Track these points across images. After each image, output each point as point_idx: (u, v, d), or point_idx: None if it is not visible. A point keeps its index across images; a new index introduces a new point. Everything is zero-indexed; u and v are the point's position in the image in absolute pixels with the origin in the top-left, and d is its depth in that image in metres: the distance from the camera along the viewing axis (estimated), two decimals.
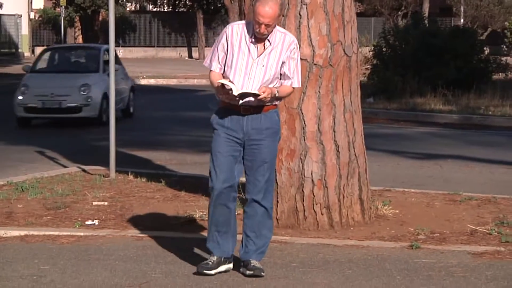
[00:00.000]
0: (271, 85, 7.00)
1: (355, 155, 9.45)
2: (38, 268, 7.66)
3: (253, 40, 6.98)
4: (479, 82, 26.06)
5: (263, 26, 6.83)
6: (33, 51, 58.48)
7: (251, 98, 6.88)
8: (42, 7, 63.83)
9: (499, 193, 11.19)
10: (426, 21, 29.95)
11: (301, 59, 9.10)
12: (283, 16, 9.18)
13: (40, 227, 9.47)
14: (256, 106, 7.01)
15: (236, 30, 7.04)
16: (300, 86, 7.45)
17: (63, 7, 42.05)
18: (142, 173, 12.27)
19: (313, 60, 9.20)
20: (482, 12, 45.46)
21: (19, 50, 56.05)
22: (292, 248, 8.42)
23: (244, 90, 6.86)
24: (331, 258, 8.04)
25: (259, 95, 6.83)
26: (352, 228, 9.25)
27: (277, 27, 7.08)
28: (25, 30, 58.82)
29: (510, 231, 9.01)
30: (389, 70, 26.31)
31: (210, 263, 7.13)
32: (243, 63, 6.98)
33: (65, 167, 13.73)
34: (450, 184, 12.16)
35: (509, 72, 30.28)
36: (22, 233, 9.23)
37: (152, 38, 61.43)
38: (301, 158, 9.23)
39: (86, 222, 9.65)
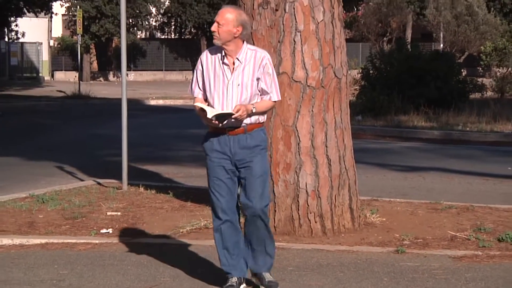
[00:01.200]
0: (251, 103, 6.65)
1: (346, 168, 9.45)
2: (58, 273, 7.65)
3: (225, 61, 6.65)
4: (457, 101, 26.11)
5: (215, 24, 6.57)
6: (52, 75, 58.58)
7: (228, 120, 6.52)
8: (60, 35, 63.88)
9: (476, 202, 11.20)
10: (409, 46, 29.96)
11: (295, 81, 9.21)
12: (279, 42, 9.20)
13: (59, 235, 9.47)
14: (238, 126, 6.63)
15: (209, 55, 6.74)
16: (280, 99, 6.91)
17: (80, 35, 42.11)
18: (151, 185, 12.27)
19: (306, 82, 9.21)
20: (459, 38, 45.50)
21: (40, 75, 56.05)
22: (288, 253, 8.41)
23: (217, 112, 6.49)
24: (324, 262, 8.04)
25: (233, 114, 6.45)
26: (343, 235, 9.25)
27: (248, 45, 6.74)
28: (45, 56, 58.86)
29: (487, 237, 9.01)
30: (376, 91, 26.33)
31: (235, 284, 6.77)
32: (219, 85, 6.64)
33: (81, 180, 13.72)
34: (432, 194, 12.15)
35: (484, 92, 30.36)
36: (43, 241, 9.22)
37: (161, 62, 61.47)
38: (296, 171, 9.23)
39: (101, 231, 9.64)
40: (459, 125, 23.06)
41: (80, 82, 40.55)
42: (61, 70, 59.30)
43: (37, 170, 15.32)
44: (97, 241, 9.12)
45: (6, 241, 9.28)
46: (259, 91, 6.69)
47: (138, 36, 59.72)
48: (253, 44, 9.29)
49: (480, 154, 18.38)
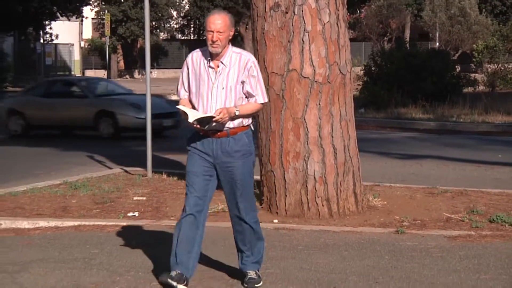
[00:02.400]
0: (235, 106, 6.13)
1: (350, 156, 9.45)
2: (89, 252, 7.68)
3: (210, 64, 6.10)
4: (452, 94, 26.04)
5: (215, 34, 5.97)
6: (83, 74, 58.66)
7: (209, 124, 6.02)
8: (90, 37, 64.03)
9: (469, 186, 11.18)
10: (407, 45, 29.96)
11: (304, 77, 9.20)
12: (289, 41, 9.19)
13: (90, 218, 9.50)
14: (221, 129, 6.10)
15: (195, 57, 6.19)
16: (266, 100, 6.32)
17: (108, 37, 42.19)
18: (174, 173, 12.27)
19: (314, 78, 9.20)
20: (453, 37, 45.35)
21: (72, 73, 56.16)
22: (298, 234, 8.42)
23: (198, 116, 5.98)
24: (331, 242, 8.04)
25: (214, 117, 5.92)
26: (348, 217, 9.25)
27: (233, 47, 6.19)
28: (76, 56, 58.95)
29: (480, 218, 9.00)
30: (377, 86, 26.32)
31: (173, 274, 6.11)
32: (204, 88, 6.09)
33: (110, 168, 13.76)
34: (428, 179, 12.13)
35: (477, 86, 30.29)
36: (76, 223, 9.26)
37: (181, 61, 60.99)
38: (305, 159, 9.23)
39: (128, 214, 9.67)
40: (454, 117, 23.03)
41: (109, 79, 40.61)
42: (91, 69, 59.35)
43: (71, 159, 15.38)
44: (124, 223, 9.15)
45: (42, 223, 9.32)
46: (245, 94, 6.16)
47: (161, 37, 59.77)
48: (265, 44, 9.32)
49: (473, 143, 18.34)
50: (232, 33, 6.11)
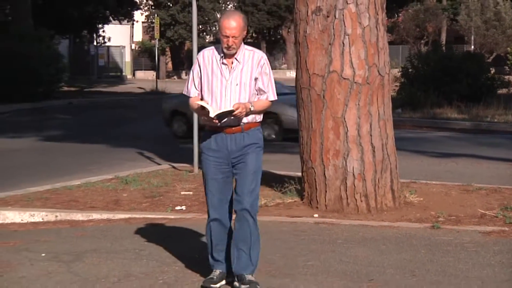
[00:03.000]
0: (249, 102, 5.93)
1: (388, 154, 9.41)
2: (139, 243, 7.73)
3: (223, 61, 5.90)
4: (486, 96, 25.86)
5: (230, 39, 5.78)
6: (134, 74, 59.08)
7: (228, 118, 5.82)
8: (140, 39, 64.40)
9: (503, 184, 11.09)
10: (443, 48, 29.70)
11: (344, 78, 9.17)
12: (330, 44, 9.17)
13: (140, 211, 9.57)
14: (236, 125, 5.91)
15: (206, 55, 5.98)
16: (276, 99, 6.06)
17: (157, 39, 42.40)
18: None
19: (353, 79, 9.18)
20: (488, 40, 44.96)
21: (123, 74, 56.53)
22: (337, 228, 8.40)
23: (219, 111, 5.77)
24: (369, 236, 8.02)
25: (234, 111, 5.73)
26: (385, 212, 9.21)
27: (245, 46, 5.97)
28: (127, 57, 59.34)
29: None
30: (414, 87, 26.16)
31: (214, 277, 6.08)
32: (217, 85, 5.89)
33: (159, 164, 13.83)
34: (463, 177, 12.02)
35: (510, 88, 29.96)
36: (126, 216, 9.33)
37: None
38: (344, 157, 9.21)
39: (176, 208, 9.72)
40: (488, 117, 22.82)
41: (157, 80, 40.90)
42: (141, 70, 59.77)
43: (122, 155, 15.48)
44: (172, 217, 9.20)
45: (95, 215, 9.40)
46: (256, 91, 5.99)
47: (207, 40, 59.81)
48: (307, 46, 9.31)
49: (507, 142, 18.15)
50: (245, 33, 5.91)
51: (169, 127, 19.75)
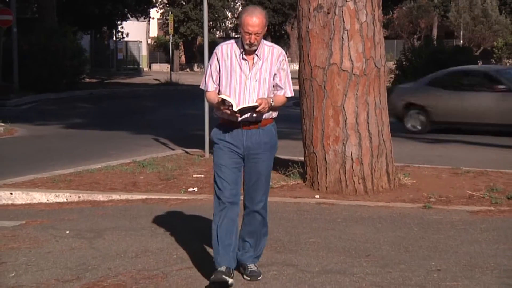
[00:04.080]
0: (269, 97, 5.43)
1: (383, 140, 9.39)
2: (155, 221, 7.74)
3: (243, 56, 5.37)
4: None
5: (253, 36, 5.25)
6: (150, 67, 59.07)
7: (250, 114, 5.33)
8: (156, 35, 64.39)
9: (489, 167, 11.07)
10: (435, 42, 29.57)
11: (343, 70, 9.14)
12: (330, 39, 9.14)
13: (156, 193, 9.58)
14: (254, 121, 5.39)
15: (225, 50, 5.42)
16: (293, 95, 5.58)
17: (171, 35, 42.38)
18: None
19: (352, 71, 9.15)
20: (476, 35, 44.82)
21: (140, 66, 56.50)
22: (337, 208, 8.40)
23: (243, 105, 5.27)
24: (366, 215, 8.01)
25: (257, 106, 5.22)
26: (381, 194, 9.20)
27: (264, 41, 5.45)
28: (144, 51, 59.36)
29: (499, 196, 8.90)
30: (408, 78, 26.05)
31: (224, 270, 5.32)
32: (236, 80, 5.35)
33: (173, 150, 13.84)
34: (453, 161, 12.01)
35: None
36: (143, 196, 9.34)
37: None
38: (343, 143, 9.19)
39: (189, 189, 9.73)
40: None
41: (171, 72, 40.84)
42: (157, 63, 59.79)
43: (139, 141, 15.50)
44: (185, 197, 9.21)
45: (115, 196, 9.42)
46: (273, 86, 5.48)
47: (217, 35, 59.80)
48: (309, 41, 9.28)
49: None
50: (266, 29, 5.37)
51: (401, 122, 17.33)
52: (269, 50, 5.43)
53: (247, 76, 5.36)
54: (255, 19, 5.27)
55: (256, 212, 5.54)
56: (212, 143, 5.49)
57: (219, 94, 5.39)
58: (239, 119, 5.31)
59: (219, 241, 5.35)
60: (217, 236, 5.37)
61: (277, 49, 5.47)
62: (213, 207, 5.46)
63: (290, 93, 5.51)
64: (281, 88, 5.48)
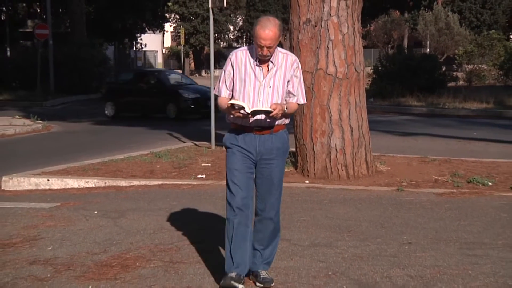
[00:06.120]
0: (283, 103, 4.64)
1: (363, 133, 9.38)
2: (169, 204, 7.74)
3: (257, 63, 4.58)
4: (439, 87, 25.83)
5: (265, 49, 4.48)
6: None
7: (262, 116, 4.55)
8: (170, 45, 64.30)
9: (452, 156, 11.08)
10: (405, 51, 29.56)
11: (328, 74, 9.11)
12: (317, 48, 9.12)
13: (170, 179, 9.57)
14: (267, 126, 4.61)
15: (240, 56, 4.63)
16: (305, 102, 4.92)
17: (182, 45, 42.37)
18: None
19: (336, 75, 9.13)
20: (440, 44, 44.77)
21: None
22: (323, 191, 8.39)
23: (256, 108, 4.51)
24: (348, 197, 8.00)
25: (271, 111, 4.45)
26: (360, 179, 9.19)
27: (278, 48, 4.64)
28: (159, 59, 59.38)
29: (460, 180, 8.90)
30: (383, 81, 26.09)
31: (234, 276, 4.55)
32: (250, 86, 4.57)
33: (184, 142, 13.83)
34: (421, 151, 12.00)
35: (457, 82, 29.93)
36: (159, 182, 9.33)
37: None
38: (329, 136, 9.17)
39: (198, 176, 9.71)
40: (440, 104, 22.74)
41: None
42: (170, 69, 59.69)
43: (155, 135, 15.50)
44: (195, 183, 9.20)
45: (135, 182, 9.41)
46: (286, 93, 4.71)
47: (221, 46, 59.71)
48: (299, 50, 9.25)
49: (455, 123, 18.11)
50: (280, 38, 4.56)
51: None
52: (283, 57, 4.66)
53: (261, 82, 4.60)
54: (268, 32, 4.46)
55: (269, 219, 4.71)
56: (225, 148, 4.75)
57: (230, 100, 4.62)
58: (251, 120, 4.56)
59: (231, 248, 4.57)
60: (229, 242, 4.58)
61: (291, 57, 4.69)
62: (226, 213, 4.68)
63: (302, 101, 4.74)
64: (294, 95, 4.69)
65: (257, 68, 4.60)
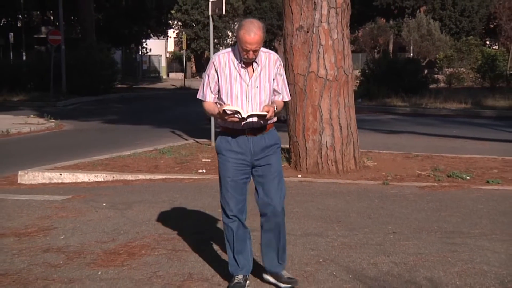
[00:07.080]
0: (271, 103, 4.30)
1: (351, 131, 9.38)
2: (172, 196, 7.73)
3: (242, 65, 4.20)
4: (421, 89, 25.89)
5: (251, 52, 4.11)
6: (168, 75, 58.88)
7: (255, 119, 4.18)
8: (172, 50, 64.19)
9: (434, 152, 11.09)
10: (391, 55, 29.57)
11: (319, 77, 9.11)
12: (309, 52, 9.11)
13: (173, 173, 9.56)
14: (259, 127, 4.25)
15: (223, 59, 4.23)
16: (290, 98, 4.47)
17: (185, 50, 42.34)
18: None
19: (326, 77, 9.13)
20: (423, 49, 44.81)
21: (160, 75, 56.40)
22: (315, 185, 8.39)
23: (251, 112, 4.13)
24: (338, 190, 8.01)
25: (266, 115, 4.14)
26: (349, 173, 9.20)
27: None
28: (163, 63, 59.20)
29: (441, 174, 8.91)
30: (370, 83, 26.10)
31: (242, 281, 4.27)
32: (237, 88, 4.19)
33: (186, 140, 13.82)
34: (405, 148, 12.02)
35: (438, 84, 29.98)
36: (163, 176, 9.32)
37: None
38: (320, 134, 9.17)
39: (199, 171, 9.70)
40: (423, 104, 22.77)
41: (185, 79, 40.76)
42: (173, 72, 59.53)
43: (159, 133, 15.48)
44: (196, 177, 9.19)
45: (141, 176, 9.40)
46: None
47: (220, 50, 59.70)
48: (293, 54, 9.24)
49: (436, 122, 18.13)
50: (264, 39, 4.20)
51: None
52: (266, 56, 4.29)
53: (247, 83, 4.22)
54: (254, 36, 4.08)
55: (276, 215, 4.26)
56: (218, 154, 4.36)
57: (220, 105, 4.22)
58: (243, 122, 4.17)
59: (234, 252, 4.28)
60: (231, 247, 4.29)
61: (273, 55, 4.33)
62: (222, 219, 4.38)
63: (287, 97, 4.42)
64: (279, 93, 4.37)
65: (242, 69, 4.22)
